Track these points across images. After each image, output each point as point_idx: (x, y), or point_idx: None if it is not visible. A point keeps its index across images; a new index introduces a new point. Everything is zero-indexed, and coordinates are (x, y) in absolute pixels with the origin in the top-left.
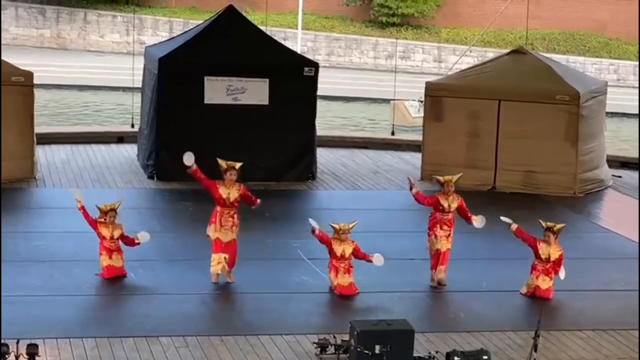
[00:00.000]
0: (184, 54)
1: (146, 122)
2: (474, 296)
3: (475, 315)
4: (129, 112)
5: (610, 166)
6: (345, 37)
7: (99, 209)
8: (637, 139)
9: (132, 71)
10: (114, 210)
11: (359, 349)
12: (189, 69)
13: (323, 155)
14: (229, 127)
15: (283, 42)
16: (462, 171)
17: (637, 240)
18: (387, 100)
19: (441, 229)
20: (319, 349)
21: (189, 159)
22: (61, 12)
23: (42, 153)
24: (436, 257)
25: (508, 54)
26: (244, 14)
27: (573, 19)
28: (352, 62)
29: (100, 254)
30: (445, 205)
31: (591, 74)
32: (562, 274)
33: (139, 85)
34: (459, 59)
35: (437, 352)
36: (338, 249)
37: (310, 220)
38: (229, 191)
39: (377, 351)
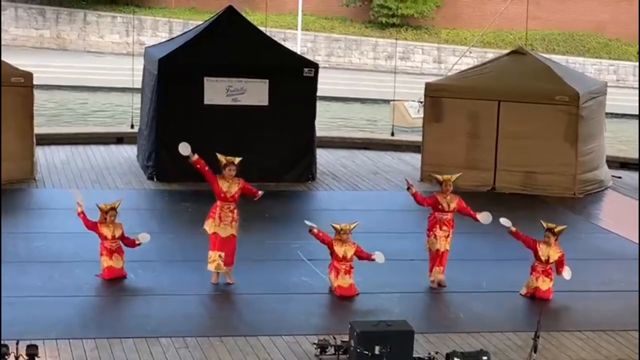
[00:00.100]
0: (183, 54)
1: (146, 123)
2: (474, 297)
3: (475, 316)
4: (128, 113)
5: (609, 167)
6: (345, 38)
7: (99, 208)
8: (637, 139)
9: (131, 72)
10: (114, 209)
11: (358, 350)
12: (189, 69)
13: (323, 156)
14: (229, 127)
15: (283, 43)
16: (462, 172)
17: (637, 241)
18: (386, 101)
19: (440, 229)
20: (318, 350)
21: (184, 148)
22: (61, 13)
23: (42, 154)
24: (436, 258)
25: (508, 54)
26: (244, 15)
27: (573, 19)
28: (352, 62)
29: (101, 254)
30: (444, 204)
31: (591, 74)
32: (567, 274)
33: (139, 86)
34: (458, 60)
35: (437, 352)
36: (340, 250)
37: (306, 221)
38: (229, 185)
39: (376, 352)
